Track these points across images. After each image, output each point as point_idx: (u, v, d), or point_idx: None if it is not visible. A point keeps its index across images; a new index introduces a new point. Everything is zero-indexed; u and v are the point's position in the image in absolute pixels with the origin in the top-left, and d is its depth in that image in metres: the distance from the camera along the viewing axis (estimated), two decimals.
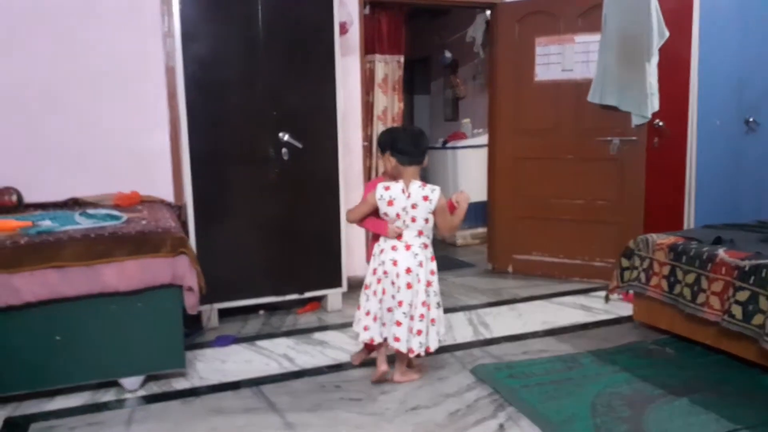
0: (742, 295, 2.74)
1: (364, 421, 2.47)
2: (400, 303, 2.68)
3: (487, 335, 3.42)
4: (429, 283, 2.75)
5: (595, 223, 4.37)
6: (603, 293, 3.76)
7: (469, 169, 6.03)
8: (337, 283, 3.87)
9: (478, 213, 6.01)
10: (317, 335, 3.46)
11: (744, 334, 2.72)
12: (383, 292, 2.73)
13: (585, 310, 3.83)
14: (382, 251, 2.77)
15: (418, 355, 2.74)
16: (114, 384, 2.76)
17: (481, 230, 5.74)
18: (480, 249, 5.57)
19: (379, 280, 2.75)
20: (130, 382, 2.74)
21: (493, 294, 4.24)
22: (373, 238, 2.92)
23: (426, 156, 2.78)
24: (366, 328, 2.77)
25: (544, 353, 3.12)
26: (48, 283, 2.52)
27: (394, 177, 2.79)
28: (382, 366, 2.78)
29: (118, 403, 2.65)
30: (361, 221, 2.84)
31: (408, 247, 2.72)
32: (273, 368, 3.00)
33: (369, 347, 2.93)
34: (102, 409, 2.59)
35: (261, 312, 3.85)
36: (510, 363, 2.99)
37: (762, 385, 2.69)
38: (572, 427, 2.36)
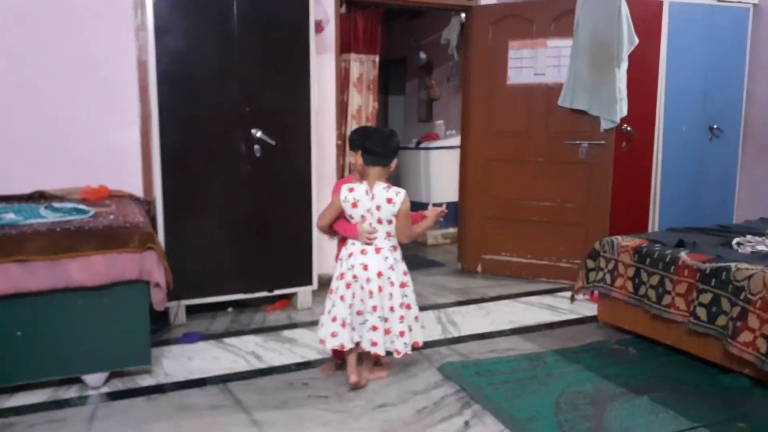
0: (705, 298, 2.82)
1: (332, 418, 2.47)
2: (374, 308, 2.62)
3: (455, 333, 3.46)
4: (404, 284, 2.72)
5: (563, 225, 4.44)
6: (569, 293, 3.82)
7: (442, 170, 6.09)
8: (307, 281, 3.86)
9: (449, 213, 6.05)
10: (286, 333, 3.44)
11: (708, 335, 2.80)
12: (353, 297, 2.65)
13: (551, 310, 3.89)
14: (350, 255, 2.70)
15: (406, 354, 2.70)
16: (77, 380, 2.71)
17: (452, 230, 5.79)
18: (450, 249, 5.62)
19: (348, 285, 2.67)
20: (94, 378, 2.70)
21: (462, 293, 4.28)
22: (341, 240, 2.86)
23: (394, 159, 2.70)
24: (334, 335, 2.66)
25: (510, 352, 3.16)
26: (10, 278, 2.47)
27: (362, 175, 2.76)
28: (353, 377, 2.70)
29: (81, 400, 2.60)
30: (331, 226, 2.77)
31: (378, 251, 2.67)
32: (240, 365, 2.99)
33: (338, 356, 2.86)
34: (63, 406, 2.55)
35: (229, 309, 3.83)
36: (477, 361, 3.02)
37: (721, 384, 2.76)
38: (536, 424, 2.39)
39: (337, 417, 2.48)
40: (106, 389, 2.70)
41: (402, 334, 2.67)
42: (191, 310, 3.64)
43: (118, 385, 2.74)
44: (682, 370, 2.92)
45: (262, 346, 3.24)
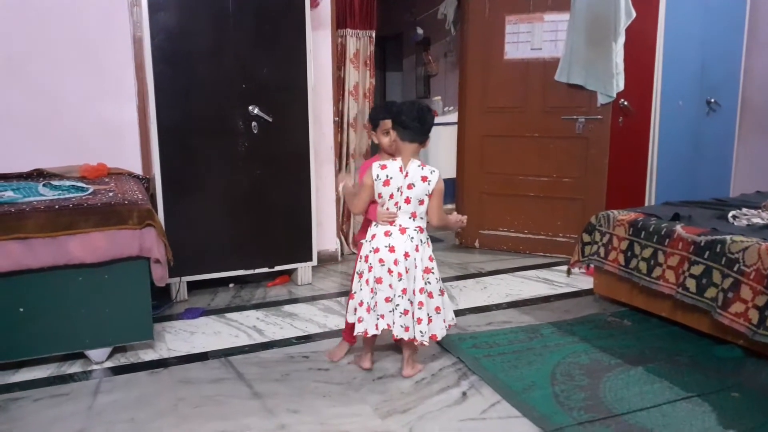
0: (697, 269, 2.85)
1: (332, 390, 2.51)
2: (403, 291, 2.48)
3: (454, 307, 3.44)
4: (427, 270, 2.56)
5: (560, 200, 4.46)
6: (565, 267, 3.86)
7: (440, 146, 6.08)
8: (307, 257, 3.89)
9: (447, 189, 6.08)
10: (287, 308, 3.48)
11: (697, 307, 2.84)
12: (378, 281, 2.51)
13: (547, 284, 3.93)
14: (374, 236, 2.55)
15: (422, 344, 2.55)
16: (80, 356, 2.75)
17: (450, 206, 5.80)
18: None
19: (370, 268, 2.53)
20: (97, 353, 2.73)
21: (460, 268, 4.32)
22: (365, 220, 2.72)
23: (428, 136, 2.54)
24: (360, 320, 2.53)
25: (507, 324, 3.21)
26: (11, 255, 2.48)
27: (391, 155, 2.62)
28: (366, 363, 2.67)
29: (84, 375, 2.64)
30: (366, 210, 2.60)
31: (403, 231, 2.51)
32: (242, 340, 3.03)
33: (350, 340, 2.79)
34: (68, 381, 2.59)
35: (231, 285, 3.86)
36: (474, 333, 3.07)
37: (713, 355, 2.80)
38: (532, 395, 2.44)
39: (336, 389, 2.52)
40: (109, 364, 2.74)
41: (420, 321, 2.51)
42: (193, 286, 3.68)
43: (121, 359, 2.78)
44: (677, 342, 2.96)
45: (263, 321, 3.28)
